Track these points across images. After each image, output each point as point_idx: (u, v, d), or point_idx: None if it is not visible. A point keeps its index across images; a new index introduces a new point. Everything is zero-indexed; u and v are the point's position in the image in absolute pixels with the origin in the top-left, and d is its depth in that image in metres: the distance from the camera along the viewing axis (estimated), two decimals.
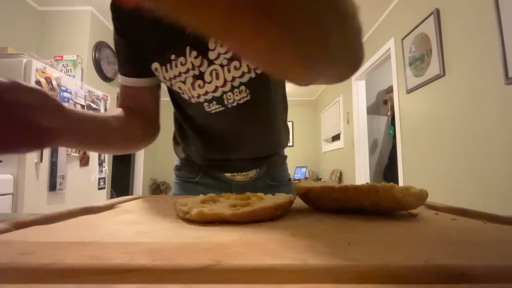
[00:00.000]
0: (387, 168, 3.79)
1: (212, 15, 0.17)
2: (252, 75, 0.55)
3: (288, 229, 0.25)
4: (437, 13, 1.97)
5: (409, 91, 2.35)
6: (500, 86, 1.47)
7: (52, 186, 1.95)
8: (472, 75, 1.68)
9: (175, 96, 0.65)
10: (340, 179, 4.10)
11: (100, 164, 2.55)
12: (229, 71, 0.54)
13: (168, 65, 0.55)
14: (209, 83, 0.56)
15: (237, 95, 0.57)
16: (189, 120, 0.67)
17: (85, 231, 0.25)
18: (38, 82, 1.82)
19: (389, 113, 3.89)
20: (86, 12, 2.77)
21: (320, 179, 5.15)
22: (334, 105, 4.43)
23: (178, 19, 0.17)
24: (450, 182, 1.87)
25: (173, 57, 0.54)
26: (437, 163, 2.01)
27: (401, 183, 2.46)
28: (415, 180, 2.30)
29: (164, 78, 0.58)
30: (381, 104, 4.17)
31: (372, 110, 4.10)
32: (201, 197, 0.36)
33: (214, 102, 0.59)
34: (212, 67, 0.54)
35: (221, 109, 0.59)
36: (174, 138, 0.75)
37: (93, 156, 2.43)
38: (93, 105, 2.40)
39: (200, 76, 0.55)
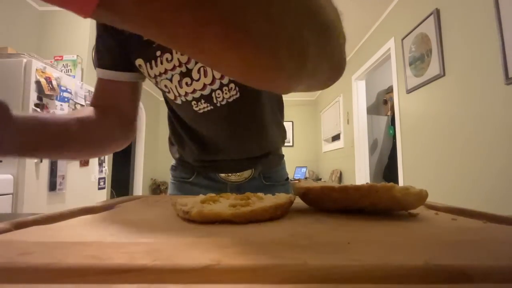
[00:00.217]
0: (387, 168, 3.79)
1: (177, 31, 0.16)
2: None
3: (288, 229, 0.25)
4: (437, 13, 1.97)
5: (409, 91, 2.35)
6: (500, 86, 1.47)
7: (52, 186, 1.95)
8: (472, 75, 1.68)
9: (164, 95, 0.63)
10: (340, 179, 4.10)
11: (100, 164, 2.55)
12: None
13: (153, 62, 0.52)
14: (197, 80, 0.54)
15: (226, 93, 0.56)
16: (179, 120, 0.65)
17: (85, 231, 0.25)
18: (38, 82, 1.82)
19: (389, 113, 3.89)
20: None
21: (320, 179, 5.15)
22: (334, 105, 4.43)
23: (145, 35, 0.16)
24: (450, 182, 1.87)
25: (158, 53, 0.52)
26: (437, 163, 2.00)
27: (401, 183, 2.46)
28: (415, 180, 2.30)
29: (149, 75, 0.55)
30: (381, 104, 4.17)
31: (372, 110, 4.10)
32: (201, 197, 0.36)
33: (203, 101, 0.57)
34: (200, 64, 0.52)
35: (209, 108, 0.57)
36: (169, 139, 0.75)
37: None
38: None
39: (188, 73, 0.53)
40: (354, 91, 3.62)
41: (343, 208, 0.33)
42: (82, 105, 2.25)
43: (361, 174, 3.42)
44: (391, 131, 3.74)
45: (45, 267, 0.15)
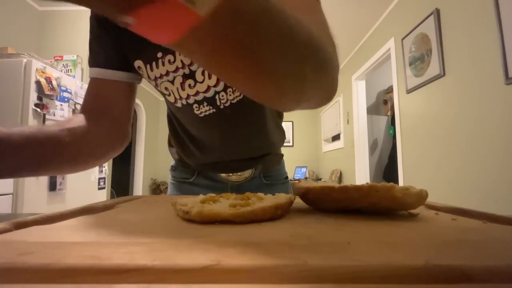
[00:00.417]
0: (387, 168, 3.79)
1: (217, 64, 0.20)
2: None
3: (288, 229, 0.25)
4: (437, 13, 1.97)
5: (409, 91, 2.35)
6: (500, 86, 1.47)
7: (52, 186, 1.95)
8: (472, 75, 1.68)
9: (164, 97, 0.61)
10: (340, 179, 4.10)
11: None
12: None
13: (154, 63, 0.51)
14: (201, 82, 0.52)
15: (230, 95, 0.54)
16: (180, 122, 0.65)
17: (85, 231, 0.25)
18: (38, 82, 1.82)
19: (389, 113, 3.89)
20: (86, 12, 2.77)
21: (320, 179, 5.15)
22: (334, 105, 4.43)
23: (193, 59, 0.21)
24: (450, 182, 1.87)
25: (159, 54, 0.50)
26: (437, 163, 2.00)
27: (401, 183, 2.46)
28: (415, 180, 2.30)
29: (149, 77, 0.53)
30: (381, 104, 4.17)
31: (372, 110, 4.10)
32: (201, 197, 0.36)
33: (205, 104, 0.55)
34: None
35: (211, 111, 0.56)
36: (169, 140, 0.74)
37: None
38: None
39: (191, 75, 0.52)
40: (354, 91, 3.62)
41: (343, 208, 0.33)
42: None
43: (361, 174, 3.42)
44: (391, 131, 3.74)
45: (45, 267, 0.15)
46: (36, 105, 1.82)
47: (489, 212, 0.31)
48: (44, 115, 1.87)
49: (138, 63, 0.52)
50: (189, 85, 0.53)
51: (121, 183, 4.63)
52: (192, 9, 0.14)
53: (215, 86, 0.53)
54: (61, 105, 2.02)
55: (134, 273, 0.15)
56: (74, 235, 0.23)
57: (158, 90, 0.57)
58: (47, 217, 0.29)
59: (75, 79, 2.24)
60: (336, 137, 4.50)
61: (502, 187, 1.47)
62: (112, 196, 3.46)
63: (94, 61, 0.52)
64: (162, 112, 5.64)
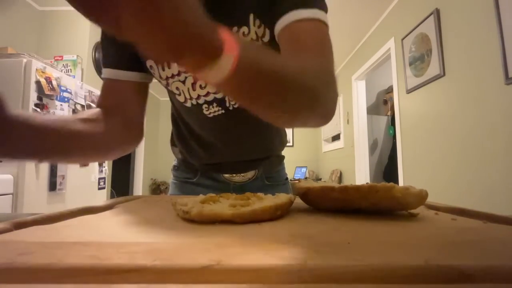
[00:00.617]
0: (387, 168, 3.79)
1: (241, 99, 0.31)
2: None
3: (288, 229, 0.25)
4: (437, 13, 1.97)
5: (409, 91, 2.35)
6: (500, 86, 1.47)
7: (52, 186, 1.95)
8: (472, 75, 1.68)
9: (171, 97, 0.62)
10: (340, 179, 4.10)
11: (100, 164, 2.55)
12: None
13: (165, 63, 0.51)
14: None
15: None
16: (185, 123, 0.65)
17: (85, 231, 0.25)
18: (38, 82, 1.82)
19: (389, 113, 3.89)
20: None
21: (320, 179, 5.15)
22: None
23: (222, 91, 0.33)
24: (450, 182, 1.87)
25: None
26: (437, 163, 2.00)
27: (401, 183, 2.46)
28: (415, 180, 2.30)
29: (160, 77, 0.54)
30: (381, 104, 4.17)
31: (372, 110, 4.10)
32: (201, 197, 0.36)
33: (215, 104, 0.56)
34: None
35: (220, 112, 0.57)
36: (172, 139, 0.74)
37: None
38: (93, 105, 2.40)
39: None
40: (354, 91, 3.62)
41: (343, 208, 0.33)
42: (82, 105, 2.25)
43: (361, 174, 3.42)
44: (391, 131, 3.74)
45: (45, 267, 0.15)
46: (36, 105, 1.82)
47: (489, 212, 0.31)
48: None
49: (150, 62, 0.52)
50: (200, 86, 0.54)
51: (121, 183, 4.63)
52: (208, 74, 0.23)
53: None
54: (61, 105, 2.02)
55: (134, 273, 0.15)
56: (74, 235, 0.23)
57: (169, 90, 0.57)
58: (47, 217, 0.29)
59: (75, 79, 2.24)
60: (336, 137, 4.50)
61: (502, 187, 1.47)
62: (112, 196, 3.46)
63: (106, 62, 0.53)
64: (162, 112, 5.64)
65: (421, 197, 0.30)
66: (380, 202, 0.30)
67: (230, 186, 0.68)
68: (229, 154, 0.65)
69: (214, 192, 0.44)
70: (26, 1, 2.59)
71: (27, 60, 1.82)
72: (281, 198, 0.34)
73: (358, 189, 0.30)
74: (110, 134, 0.49)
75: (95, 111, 0.49)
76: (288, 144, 0.70)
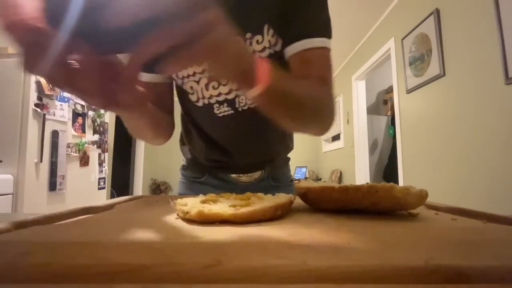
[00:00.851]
0: (387, 168, 3.79)
1: (273, 112, 0.43)
2: None
3: (288, 229, 0.25)
4: (437, 13, 1.97)
5: (409, 91, 2.35)
6: (500, 86, 1.47)
7: (52, 186, 1.95)
8: (472, 75, 1.68)
9: (182, 96, 0.64)
10: (340, 179, 4.10)
11: (100, 164, 2.55)
12: None
13: None
14: (224, 85, 0.57)
15: (249, 99, 0.59)
16: (195, 122, 0.67)
17: (85, 231, 0.25)
18: (38, 82, 1.82)
19: (389, 113, 3.89)
20: None
21: (320, 179, 5.15)
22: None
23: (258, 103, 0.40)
24: (450, 182, 1.87)
25: None
26: (437, 163, 2.01)
27: (401, 183, 2.46)
28: (415, 180, 2.30)
29: (177, 75, 0.59)
30: (381, 104, 4.17)
31: (372, 110, 4.10)
32: (201, 197, 0.36)
33: (225, 104, 0.59)
34: None
35: (230, 112, 0.60)
36: (181, 139, 0.77)
37: (93, 156, 2.43)
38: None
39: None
40: (354, 91, 3.62)
41: (343, 208, 0.33)
42: (82, 105, 2.25)
43: (361, 174, 3.42)
44: (391, 131, 3.74)
45: (45, 267, 0.15)
46: (36, 105, 1.82)
47: (489, 212, 0.31)
48: (44, 115, 1.87)
49: None
50: (213, 87, 0.58)
51: (121, 183, 4.63)
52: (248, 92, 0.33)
53: (237, 89, 0.58)
54: (61, 105, 2.02)
55: (134, 273, 0.15)
56: (74, 235, 0.23)
57: (181, 90, 0.62)
58: (47, 217, 0.29)
59: None
60: (336, 137, 4.50)
61: (502, 187, 1.47)
62: (112, 196, 3.46)
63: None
64: None
65: (421, 197, 0.30)
66: (380, 202, 0.30)
67: (237, 186, 0.70)
68: (236, 154, 0.66)
69: (222, 191, 0.48)
70: None
71: None
72: (281, 198, 0.34)
73: (358, 189, 0.30)
74: (161, 115, 0.58)
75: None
76: (293, 147, 0.74)
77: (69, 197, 2.11)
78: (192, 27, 0.22)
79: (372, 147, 3.89)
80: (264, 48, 0.55)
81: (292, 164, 0.80)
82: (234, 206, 0.29)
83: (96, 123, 2.45)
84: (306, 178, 4.91)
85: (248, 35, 0.54)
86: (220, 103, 0.59)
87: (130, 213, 0.34)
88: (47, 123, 1.90)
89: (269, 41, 0.54)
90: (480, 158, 1.61)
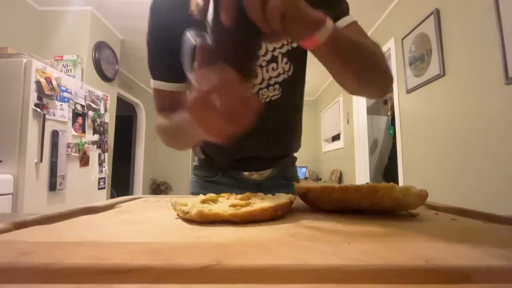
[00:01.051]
0: (387, 168, 3.79)
1: (322, 54, 0.41)
2: (286, 76, 0.62)
3: (288, 229, 0.25)
4: (437, 13, 1.97)
5: (409, 91, 2.35)
6: (500, 86, 1.47)
7: (52, 186, 1.95)
8: (472, 75, 1.68)
9: None
10: (340, 179, 4.10)
11: (100, 164, 2.55)
12: (267, 71, 0.61)
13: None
14: (256, 77, 0.62)
15: (271, 92, 0.63)
16: None
17: (85, 231, 0.25)
18: (38, 82, 1.82)
19: (389, 113, 3.89)
20: (86, 12, 2.77)
21: (320, 179, 5.15)
22: (334, 105, 4.43)
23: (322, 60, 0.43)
24: (450, 182, 1.87)
25: None
26: (437, 163, 2.01)
27: (401, 183, 2.46)
28: (415, 180, 2.30)
29: None
30: (381, 104, 4.17)
31: (372, 110, 4.10)
32: (201, 197, 0.36)
33: None
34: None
35: None
36: None
37: (93, 156, 2.43)
38: (93, 105, 2.40)
39: None
40: None
41: (343, 208, 0.33)
42: (82, 105, 2.25)
43: (361, 174, 3.42)
44: (391, 131, 3.74)
45: (44, 267, 0.15)
46: (36, 105, 1.81)
47: (489, 212, 0.31)
48: (44, 115, 1.87)
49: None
50: None
51: (121, 183, 4.63)
52: (318, 38, 0.36)
53: (260, 84, 0.62)
54: (61, 105, 2.02)
55: (134, 273, 0.15)
56: (74, 235, 0.23)
57: None
58: (47, 217, 0.29)
59: (75, 79, 2.24)
60: (336, 137, 4.50)
61: (502, 187, 1.47)
62: (112, 196, 3.46)
63: (155, 75, 0.64)
64: None
65: (421, 197, 0.30)
66: (380, 202, 0.30)
67: (249, 185, 0.72)
68: (249, 149, 0.68)
69: (235, 190, 0.53)
70: (26, 1, 2.60)
71: (27, 60, 1.82)
72: (281, 198, 0.34)
73: (358, 189, 0.30)
74: None
75: (167, 112, 0.63)
76: (300, 147, 0.80)
77: (69, 197, 2.11)
78: None
79: (372, 147, 3.89)
80: (282, 45, 0.59)
81: None
82: (234, 206, 0.29)
83: (96, 123, 2.45)
84: (306, 178, 4.91)
85: None
86: None
87: (130, 213, 0.34)
88: (47, 123, 1.89)
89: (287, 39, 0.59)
90: (480, 158, 1.62)
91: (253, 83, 0.61)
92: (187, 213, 0.28)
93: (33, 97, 1.80)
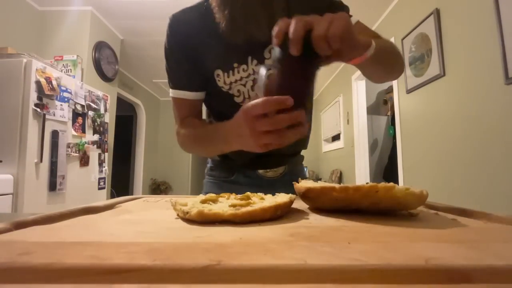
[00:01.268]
0: (387, 168, 3.79)
1: (365, 66, 0.54)
2: None
3: (288, 229, 0.25)
4: (437, 13, 1.97)
5: (409, 91, 2.35)
6: (500, 86, 1.47)
7: (52, 186, 1.95)
8: (472, 75, 1.68)
9: (221, 101, 0.70)
10: (340, 179, 4.10)
11: (100, 164, 2.55)
12: None
13: (231, 72, 0.65)
14: None
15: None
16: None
17: (85, 231, 0.25)
18: (38, 82, 1.82)
19: (389, 113, 3.89)
20: (86, 12, 2.77)
21: (320, 179, 5.15)
22: (334, 105, 4.43)
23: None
24: (450, 182, 1.87)
25: (235, 65, 0.64)
26: (437, 163, 2.01)
27: (401, 183, 2.46)
28: (415, 180, 2.30)
29: (225, 82, 0.66)
30: (381, 104, 4.17)
31: (372, 110, 4.10)
32: (201, 197, 0.36)
33: None
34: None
35: None
36: None
37: (93, 156, 2.43)
38: (93, 105, 2.40)
39: None
40: (354, 91, 3.62)
41: (343, 208, 0.33)
42: (82, 105, 2.25)
43: (361, 174, 3.42)
44: (391, 131, 3.74)
45: (45, 267, 0.15)
46: (36, 105, 1.81)
47: (489, 212, 0.31)
48: (44, 115, 1.87)
49: (218, 71, 0.65)
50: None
51: (121, 183, 4.63)
52: (366, 55, 0.47)
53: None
54: (61, 105, 2.02)
55: (134, 273, 0.15)
56: (74, 235, 0.23)
57: (231, 93, 0.68)
58: (47, 217, 0.29)
59: (75, 79, 2.24)
60: (336, 137, 4.50)
61: (502, 187, 1.47)
62: (112, 196, 3.46)
63: (175, 84, 0.68)
64: (162, 112, 5.63)
65: (422, 197, 0.30)
66: (380, 202, 0.30)
67: (264, 182, 0.75)
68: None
69: (251, 188, 0.60)
70: (26, 1, 2.60)
71: (27, 60, 1.82)
72: (281, 198, 0.34)
73: (358, 189, 0.30)
74: None
75: (192, 118, 0.71)
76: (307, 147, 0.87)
77: (69, 197, 2.11)
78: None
79: (372, 147, 3.89)
80: None
81: None
82: (234, 206, 0.29)
83: (96, 123, 2.45)
84: (306, 178, 4.90)
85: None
86: None
87: (130, 213, 0.34)
88: (47, 123, 1.89)
89: None
90: (480, 158, 1.62)
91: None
92: (187, 213, 0.28)
93: (33, 97, 1.80)
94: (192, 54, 0.65)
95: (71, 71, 2.52)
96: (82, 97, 2.26)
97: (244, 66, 0.64)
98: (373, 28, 3.14)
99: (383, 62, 0.56)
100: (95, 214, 0.34)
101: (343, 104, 4.09)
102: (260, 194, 0.38)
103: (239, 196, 0.37)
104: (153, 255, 0.17)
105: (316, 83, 0.41)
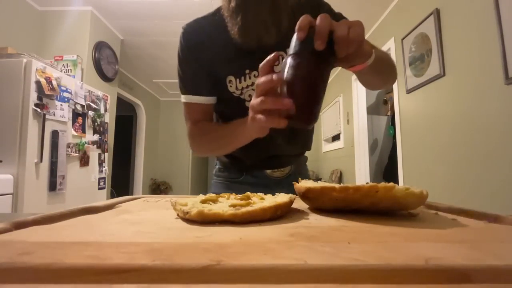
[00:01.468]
0: (387, 168, 3.78)
1: (363, 73, 0.56)
2: None
3: (288, 229, 0.25)
4: (437, 13, 1.97)
5: (409, 91, 2.35)
6: (500, 86, 1.47)
7: (52, 186, 1.95)
8: (472, 75, 1.68)
9: (233, 105, 0.71)
10: (340, 179, 4.10)
11: (100, 164, 2.55)
12: None
13: (242, 78, 0.67)
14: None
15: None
16: None
17: (85, 231, 0.25)
18: (38, 82, 1.82)
19: (389, 113, 3.88)
20: (86, 12, 2.77)
21: (320, 179, 5.15)
22: (334, 105, 4.43)
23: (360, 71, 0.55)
24: (450, 182, 1.87)
25: (247, 71, 0.66)
26: (437, 163, 2.01)
27: (401, 183, 2.46)
28: (415, 180, 2.30)
29: (237, 87, 0.68)
30: (381, 104, 4.17)
31: (372, 110, 4.10)
32: (201, 197, 0.36)
33: None
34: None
35: None
36: None
37: (93, 156, 2.43)
38: (93, 105, 2.40)
39: None
40: (354, 91, 3.62)
41: (343, 208, 0.33)
42: (82, 105, 2.25)
43: (361, 174, 3.42)
44: (391, 131, 3.74)
45: (45, 267, 0.15)
46: (36, 105, 1.81)
47: (489, 212, 0.31)
48: (44, 115, 1.87)
49: (230, 78, 0.68)
50: None
51: (121, 183, 4.63)
52: (367, 63, 0.50)
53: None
54: (61, 105, 2.02)
55: (134, 273, 0.15)
56: (74, 235, 0.23)
57: (242, 98, 0.70)
58: (47, 217, 0.29)
59: (75, 79, 2.24)
60: (336, 137, 4.50)
61: (502, 187, 1.47)
62: (112, 196, 3.46)
63: (188, 90, 0.70)
64: (162, 112, 5.63)
65: (422, 197, 0.30)
66: (380, 202, 0.30)
67: (271, 182, 0.78)
68: (273, 148, 0.74)
69: (259, 188, 0.66)
70: (26, 1, 2.60)
71: (27, 60, 1.82)
72: (281, 198, 0.34)
73: (358, 189, 0.30)
74: None
75: (204, 121, 0.73)
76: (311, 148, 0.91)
77: (69, 197, 2.11)
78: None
79: (372, 147, 3.89)
80: None
81: None
82: (234, 206, 0.29)
83: (96, 123, 2.45)
84: (309, 178, 4.90)
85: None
86: None
87: (130, 213, 0.34)
88: (47, 123, 1.89)
89: None
90: (480, 158, 1.62)
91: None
92: (187, 213, 0.28)
93: (33, 97, 1.80)
94: (205, 61, 0.67)
95: (71, 71, 2.52)
96: (82, 97, 2.26)
97: (255, 72, 0.66)
98: (373, 28, 3.12)
99: (379, 71, 0.59)
100: (95, 214, 0.34)
101: (343, 104, 4.09)
102: (260, 194, 0.38)
103: (239, 196, 0.37)
104: (153, 255, 0.17)
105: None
